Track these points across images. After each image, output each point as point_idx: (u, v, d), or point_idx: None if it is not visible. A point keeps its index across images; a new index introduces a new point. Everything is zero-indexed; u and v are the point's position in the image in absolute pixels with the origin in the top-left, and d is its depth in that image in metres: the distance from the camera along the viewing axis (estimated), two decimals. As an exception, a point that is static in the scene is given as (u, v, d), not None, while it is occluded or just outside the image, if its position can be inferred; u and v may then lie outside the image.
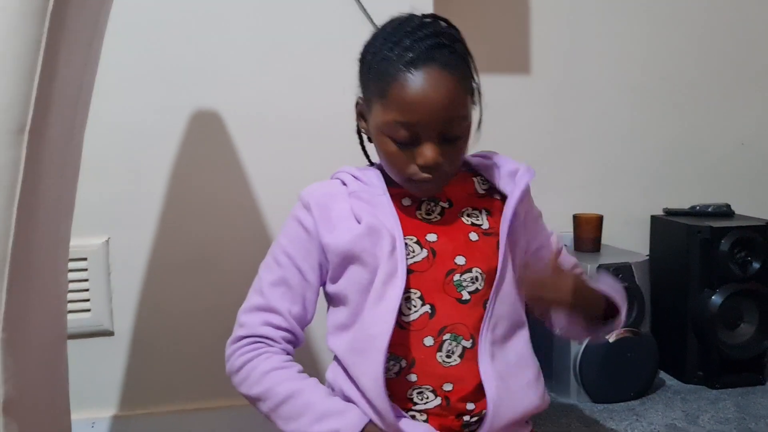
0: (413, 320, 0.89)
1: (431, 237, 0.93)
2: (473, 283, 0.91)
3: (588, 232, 1.84)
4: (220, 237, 1.55)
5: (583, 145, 1.95)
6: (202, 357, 1.55)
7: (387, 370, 0.89)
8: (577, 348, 1.70)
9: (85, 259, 1.47)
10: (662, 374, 1.88)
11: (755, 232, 1.76)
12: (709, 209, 1.89)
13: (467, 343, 0.89)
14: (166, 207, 1.51)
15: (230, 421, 1.56)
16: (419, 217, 0.94)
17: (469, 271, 0.91)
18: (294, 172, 1.51)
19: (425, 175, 0.88)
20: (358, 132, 1.01)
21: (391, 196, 0.95)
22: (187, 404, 1.56)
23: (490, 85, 1.83)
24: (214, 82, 1.51)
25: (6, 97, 0.74)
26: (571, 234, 1.88)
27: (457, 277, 0.91)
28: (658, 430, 1.56)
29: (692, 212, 1.90)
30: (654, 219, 1.94)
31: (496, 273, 0.92)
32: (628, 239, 1.97)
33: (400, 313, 0.89)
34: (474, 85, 0.91)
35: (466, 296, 0.90)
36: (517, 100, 1.90)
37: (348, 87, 1.56)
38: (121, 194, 1.49)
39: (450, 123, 0.86)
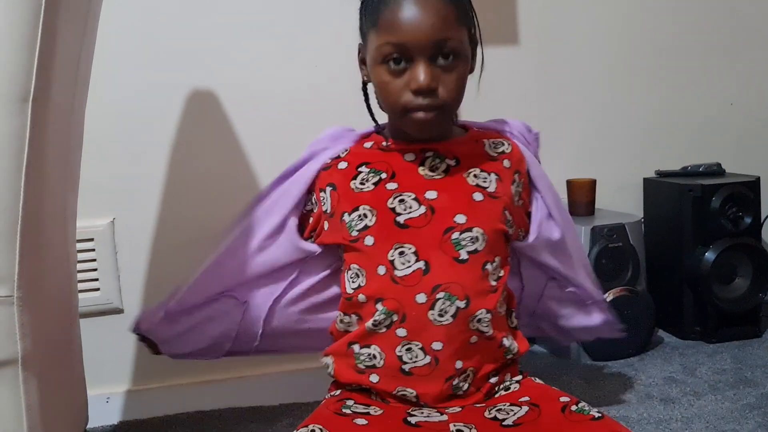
0: (406, 275, 0.90)
1: (430, 194, 0.93)
2: (473, 243, 0.91)
3: (582, 197, 1.87)
4: (222, 213, 1.58)
5: (574, 112, 1.98)
6: (210, 330, 1.59)
7: (378, 323, 0.91)
8: (575, 308, 1.74)
9: (91, 239, 1.51)
10: (660, 332, 1.91)
11: (745, 188, 1.79)
12: (701, 169, 1.92)
13: (461, 303, 0.90)
14: (168, 185, 1.56)
15: (241, 392, 1.61)
16: (421, 173, 0.95)
17: (470, 230, 0.92)
18: (290, 146, 1.55)
19: (420, 100, 0.87)
20: (363, 88, 1.01)
21: (395, 151, 0.96)
22: (198, 377, 1.61)
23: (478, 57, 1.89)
24: (208, 61, 1.55)
25: (10, 66, 0.78)
26: (565, 199, 1.91)
27: (455, 235, 0.91)
28: (657, 383, 1.60)
29: (684, 173, 1.93)
30: (647, 181, 1.98)
31: (502, 237, 0.95)
32: (623, 203, 2.00)
33: (393, 266, 0.91)
34: (470, 16, 0.91)
35: (464, 255, 0.91)
36: (507, 71, 1.93)
37: (341, 63, 1.61)
38: (124, 175, 1.53)
39: (440, 44, 0.86)
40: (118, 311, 1.56)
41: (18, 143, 0.80)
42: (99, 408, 1.53)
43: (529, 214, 1.07)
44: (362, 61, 0.97)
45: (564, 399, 0.91)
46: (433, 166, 0.96)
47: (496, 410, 0.90)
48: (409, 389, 0.91)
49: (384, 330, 0.91)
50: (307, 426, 0.87)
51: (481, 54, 0.97)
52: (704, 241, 1.79)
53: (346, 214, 0.94)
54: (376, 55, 0.89)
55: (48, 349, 0.93)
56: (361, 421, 0.88)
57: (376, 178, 0.95)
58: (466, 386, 0.92)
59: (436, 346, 0.90)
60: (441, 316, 0.90)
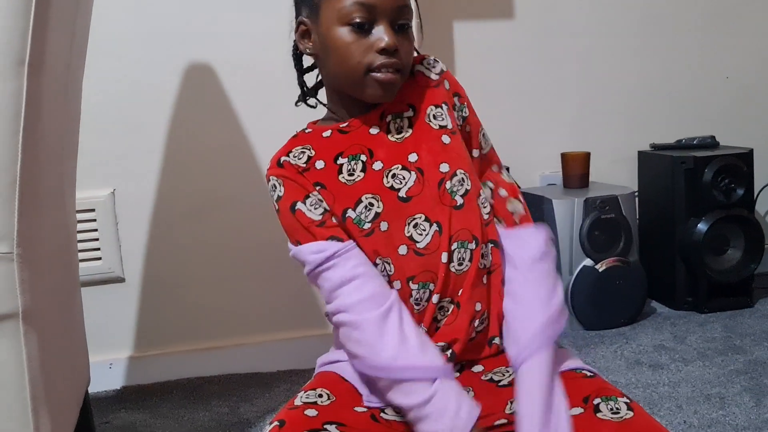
0: (428, 243, 0.90)
1: (412, 157, 0.93)
2: (461, 184, 0.92)
3: (576, 169, 1.90)
4: (219, 184, 1.62)
5: (569, 86, 2.00)
6: (208, 298, 1.64)
7: (419, 300, 0.91)
8: (568, 278, 1.77)
9: (93, 210, 1.55)
10: (653, 303, 1.94)
11: (738, 160, 1.81)
12: (695, 142, 1.93)
13: (472, 245, 0.91)
14: (167, 157, 1.59)
15: (240, 359, 1.65)
16: (392, 139, 0.93)
17: (455, 174, 0.92)
18: (285, 118, 1.57)
19: (384, 60, 0.88)
20: (298, 65, 1.01)
21: (356, 128, 0.94)
22: (198, 344, 1.65)
23: (475, 31, 1.91)
24: (208, 36, 1.58)
25: (5, 30, 0.81)
26: (560, 173, 1.94)
27: (448, 184, 0.92)
28: (647, 350, 1.63)
29: (678, 146, 1.95)
30: (641, 154, 2.00)
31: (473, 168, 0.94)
32: (618, 175, 2.03)
33: (413, 241, 0.91)
34: None
35: (459, 201, 0.92)
36: (503, 45, 1.95)
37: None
38: (124, 147, 1.57)
39: (402, 10, 0.88)
40: (120, 280, 1.60)
41: (15, 105, 0.83)
42: (102, 373, 1.58)
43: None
44: (304, 35, 0.95)
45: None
46: (399, 127, 0.95)
47: (492, 373, 0.93)
48: (440, 343, 0.91)
49: (425, 305, 0.91)
50: (315, 389, 0.89)
51: (419, 25, 0.97)
52: (697, 212, 1.81)
53: (349, 210, 0.91)
54: (339, 17, 0.88)
55: (48, 307, 0.96)
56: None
57: (360, 164, 0.93)
58: (482, 327, 0.93)
59: (459, 292, 0.91)
60: (460, 264, 0.91)
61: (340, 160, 0.92)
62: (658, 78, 2.04)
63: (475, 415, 0.83)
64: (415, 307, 0.91)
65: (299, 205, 0.91)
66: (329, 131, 0.94)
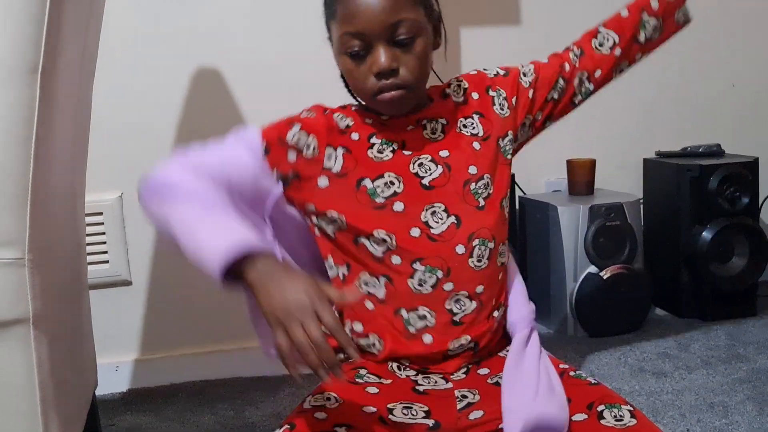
0: (442, 232, 0.95)
1: (443, 153, 0.98)
2: (485, 188, 0.98)
3: (581, 176, 1.90)
4: (227, 189, 1.63)
5: (575, 93, 2.00)
6: (215, 302, 1.64)
7: (422, 282, 0.94)
8: (572, 285, 1.78)
9: (101, 213, 1.56)
10: (657, 310, 1.95)
11: (743, 168, 1.81)
12: (700, 150, 1.94)
13: (491, 245, 0.97)
14: (174, 162, 1.60)
15: (245, 363, 1.66)
16: (426, 137, 0.99)
17: (482, 178, 0.98)
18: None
19: (383, 82, 0.91)
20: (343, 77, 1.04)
21: (395, 122, 0.99)
22: (204, 347, 1.66)
23: (482, 37, 1.92)
24: (215, 39, 1.59)
25: (19, 38, 0.82)
26: (565, 179, 1.94)
27: (473, 185, 0.97)
28: (650, 358, 1.64)
29: (684, 153, 1.95)
30: (646, 162, 2.00)
31: (505, 170, 1.01)
32: (623, 183, 2.03)
33: (428, 226, 0.95)
34: None
35: (482, 203, 0.97)
36: (509, 52, 1.94)
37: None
38: (132, 150, 1.58)
39: (395, 26, 0.90)
40: (127, 283, 1.61)
41: (28, 113, 0.84)
42: (108, 376, 1.59)
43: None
44: (336, 54, 0.99)
45: (563, 366, 0.97)
46: (433, 129, 1.00)
47: (498, 377, 0.95)
48: (463, 337, 0.96)
49: (430, 290, 0.94)
50: (322, 393, 0.91)
51: (443, 28, 1.00)
52: (702, 220, 1.82)
53: (367, 180, 0.96)
54: (339, 46, 0.93)
55: (58, 311, 0.97)
56: (372, 390, 0.92)
57: (391, 147, 0.98)
58: (500, 317, 1.00)
59: (479, 289, 0.96)
60: (479, 261, 0.96)
61: (374, 140, 0.98)
62: (663, 85, 2.04)
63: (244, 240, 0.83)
64: (417, 287, 0.94)
65: (285, 129, 0.97)
66: (371, 119, 1.00)
